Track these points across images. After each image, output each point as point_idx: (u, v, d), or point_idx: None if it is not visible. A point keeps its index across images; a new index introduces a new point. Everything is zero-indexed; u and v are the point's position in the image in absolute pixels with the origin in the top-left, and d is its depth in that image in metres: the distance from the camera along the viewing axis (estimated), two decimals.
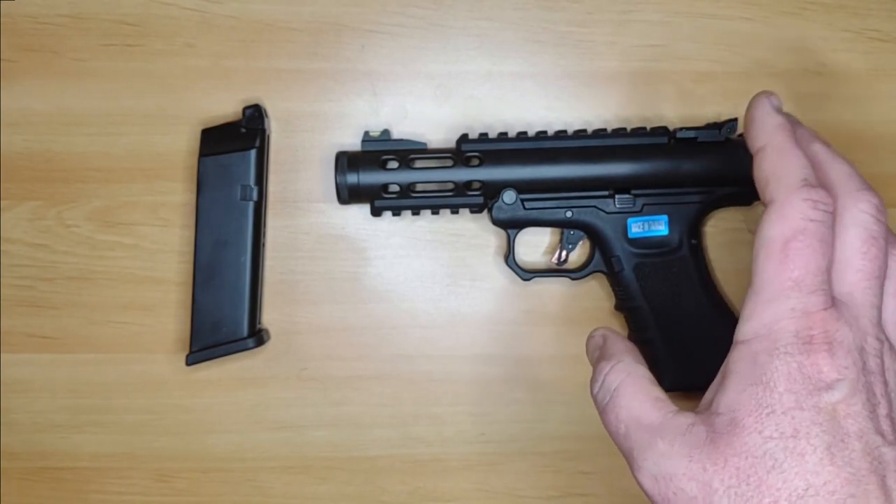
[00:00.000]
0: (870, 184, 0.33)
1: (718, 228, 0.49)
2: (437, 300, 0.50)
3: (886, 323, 0.33)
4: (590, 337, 0.39)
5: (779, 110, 0.34)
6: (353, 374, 0.50)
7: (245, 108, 0.47)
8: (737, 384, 0.31)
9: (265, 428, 0.50)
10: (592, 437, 0.50)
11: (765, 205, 0.32)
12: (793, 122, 0.35)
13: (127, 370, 0.49)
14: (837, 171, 0.33)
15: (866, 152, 0.49)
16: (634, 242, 0.46)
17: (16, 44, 0.48)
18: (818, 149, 0.34)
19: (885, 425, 0.29)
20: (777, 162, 0.32)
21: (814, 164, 0.33)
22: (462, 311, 0.50)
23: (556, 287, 0.49)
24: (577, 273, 0.48)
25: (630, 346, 0.36)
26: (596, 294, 0.50)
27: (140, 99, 0.48)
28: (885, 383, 0.30)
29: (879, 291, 0.32)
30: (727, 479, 0.29)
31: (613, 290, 0.48)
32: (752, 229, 0.49)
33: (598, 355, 0.36)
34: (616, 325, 0.49)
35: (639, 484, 0.32)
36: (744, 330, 0.32)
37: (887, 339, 0.32)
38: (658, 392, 0.33)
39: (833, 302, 0.31)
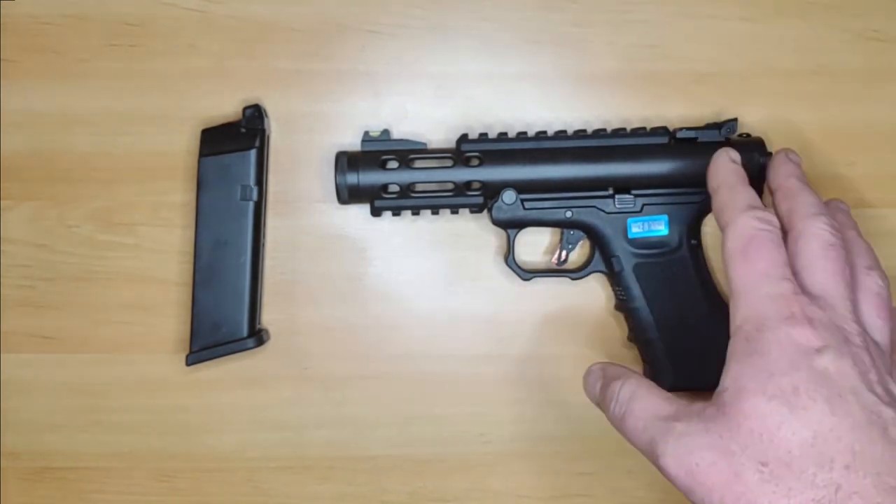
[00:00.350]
0: (868, 192, 0.39)
1: (718, 228, 0.49)
2: (437, 300, 0.50)
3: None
4: (586, 374, 0.41)
5: (734, 160, 0.42)
6: (354, 373, 0.50)
7: (245, 108, 0.47)
8: (736, 361, 0.34)
9: (265, 428, 0.50)
10: (592, 438, 0.50)
11: (722, 230, 0.38)
12: (780, 161, 0.42)
13: (127, 370, 0.49)
14: (803, 201, 0.39)
15: (866, 152, 0.49)
16: (634, 242, 0.46)
17: (16, 44, 0.48)
18: (792, 183, 0.40)
19: (878, 389, 0.32)
20: (727, 195, 0.39)
21: (787, 196, 0.40)
22: (462, 311, 0.50)
23: (556, 287, 0.49)
24: (577, 273, 0.48)
25: (628, 367, 0.40)
26: (596, 294, 0.50)
27: (141, 99, 0.48)
28: (872, 357, 0.34)
29: (848, 287, 0.36)
30: (743, 441, 0.32)
31: (613, 290, 0.48)
32: None
33: (601, 384, 0.39)
34: (615, 325, 0.49)
35: (662, 470, 0.34)
36: (733, 323, 0.36)
37: (866, 331, 0.35)
38: (667, 394, 0.36)
39: (804, 292, 0.35)
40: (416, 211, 0.47)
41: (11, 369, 0.49)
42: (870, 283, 0.37)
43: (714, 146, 0.45)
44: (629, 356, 0.49)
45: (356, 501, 0.50)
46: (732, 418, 0.32)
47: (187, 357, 0.47)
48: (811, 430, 0.31)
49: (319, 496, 0.50)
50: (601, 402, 0.39)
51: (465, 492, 0.50)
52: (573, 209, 0.47)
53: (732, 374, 0.34)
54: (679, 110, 0.49)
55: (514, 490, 0.50)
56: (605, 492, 0.50)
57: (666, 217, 0.46)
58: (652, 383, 0.37)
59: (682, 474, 0.33)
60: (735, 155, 0.42)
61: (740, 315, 0.35)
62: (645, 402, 0.36)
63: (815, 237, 0.37)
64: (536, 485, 0.50)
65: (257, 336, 0.47)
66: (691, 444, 0.33)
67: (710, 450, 0.32)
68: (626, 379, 0.38)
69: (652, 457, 0.34)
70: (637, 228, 0.46)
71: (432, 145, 0.48)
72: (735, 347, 0.35)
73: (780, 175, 0.41)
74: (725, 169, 0.41)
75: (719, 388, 0.34)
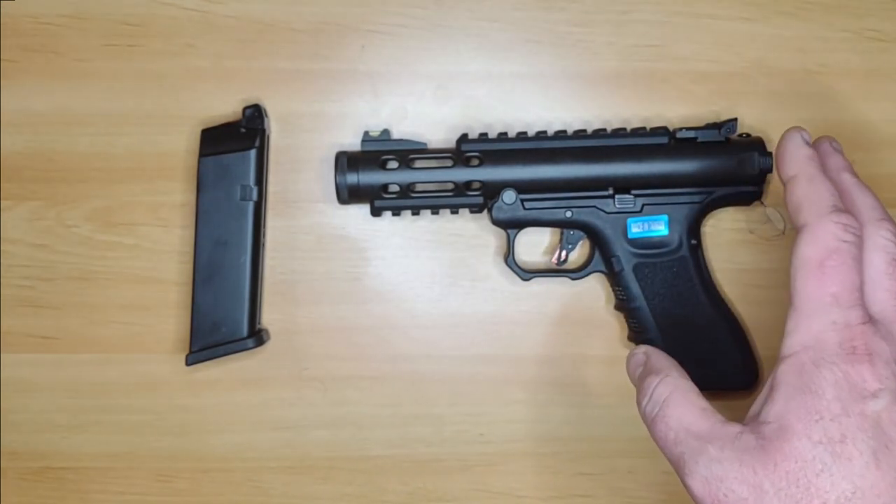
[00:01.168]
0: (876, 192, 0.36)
1: (718, 228, 0.49)
2: (437, 300, 0.50)
3: None
4: (631, 355, 0.40)
5: (808, 143, 0.37)
6: (354, 374, 0.50)
7: (245, 108, 0.47)
8: (785, 394, 0.32)
9: (265, 428, 0.50)
10: (592, 439, 0.50)
11: (797, 228, 0.35)
12: (827, 152, 0.38)
13: (127, 370, 0.49)
14: (862, 202, 0.36)
15: (866, 152, 0.49)
16: (634, 242, 0.46)
17: (16, 44, 0.48)
18: (846, 178, 0.37)
19: None
20: (808, 189, 0.35)
21: (840, 193, 0.35)
22: (462, 311, 0.50)
23: (555, 287, 0.49)
24: (576, 273, 0.48)
25: (674, 361, 0.38)
26: (596, 294, 0.50)
27: (140, 99, 0.48)
28: None
29: None
30: (777, 482, 0.30)
31: (613, 290, 0.48)
32: (753, 229, 0.49)
33: (642, 372, 0.38)
34: (616, 325, 0.49)
35: (687, 488, 0.33)
36: (789, 344, 0.33)
37: None
38: (704, 403, 0.35)
39: (869, 317, 0.33)
40: (416, 211, 0.47)
41: (11, 369, 0.49)
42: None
43: (714, 146, 0.46)
44: None
45: (356, 501, 0.50)
46: (771, 456, 0.31)
47: (187, 357, 0.47)
48: (851, 483, 0.30)
49: (319, 496, 0.50)
50: (637, 390, 0.38)
51: (464, 492, 0.50)
52: (573, 209, 0.47)
53: (778, 409, 0.32)
54: (679, 110, 0.49)
55: (513, 490, 0.50)
56: (606, 492, 0.50)
57: (666, 217, 0.46)
58: (690, 386, 0.36)
59: (708, 500, 0.32)
60: (808, 135, 0.38)
61: (798, 339, 0.33)
62: (680, 409, 0.34)
63: (881, 249, 0.34)
64: (536, 485, 0.50)
65: (257, 336, 0.47)
66: (722, 474, 0.31)
67: (742, 484, 0.31)
68: (664, 377, 0.36)
69: (679, 472, 0.34)
70: (637, 228, 0.46)
71: (432, 145, 0.48)
72: (785, 378, 0.32)
73: (831, 168, 0.37)
74: (801, 155, 0.37)
75: (762, 418, 0.32)
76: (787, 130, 0.38)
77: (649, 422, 0.36)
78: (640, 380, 0.37)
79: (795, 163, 0.36)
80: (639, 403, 0.37)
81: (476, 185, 0.46)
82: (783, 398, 0.32)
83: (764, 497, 0.30)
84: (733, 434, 0.32)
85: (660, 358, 0.38)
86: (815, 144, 0.38)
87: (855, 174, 0.38)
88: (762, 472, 0.31)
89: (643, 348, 0.39)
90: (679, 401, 0.35)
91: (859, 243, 0.33)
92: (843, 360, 0.31)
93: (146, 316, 0.49)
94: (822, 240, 0.33)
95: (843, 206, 0.34)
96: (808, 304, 0.33)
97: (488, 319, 0.50)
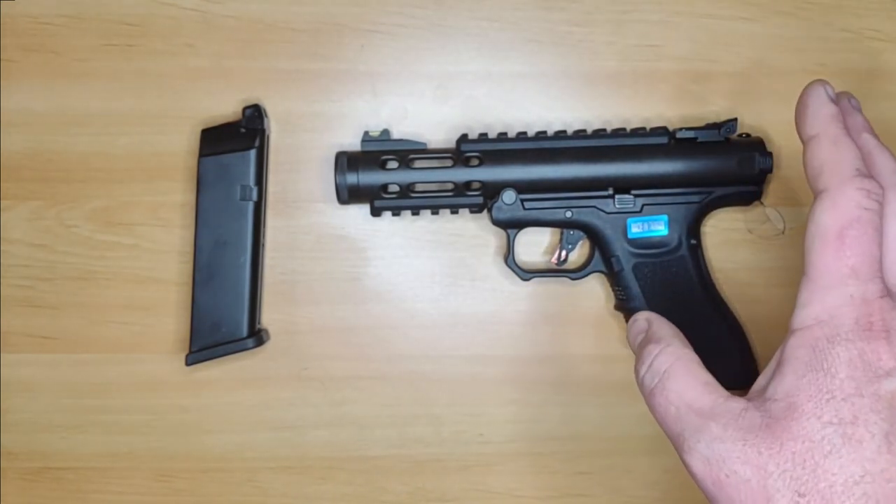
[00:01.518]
0: None
1: (718, 228, 0.49)
2: (437, 300, 0.50)
3: None
4: (633, 321, 0.38)
5: (833, 100, 0.34)
6: (353, 374, 0.50)
7: (245, 108, 0.47)
8: (795, 370, 0.30)
9: (265, 428, 0.50)
10: (591, 438, 0.50)
11: (816, 193, 0.32)
12: (847, 110, 0.35)
13: (127, 370, 0.49)
14: (882, 164, 0.33)
15: None
16: (634, 242, 0.46)
17: (16, 44, 0.48)
18: (867, 139, 0.34)
19: None
20: (830, 151, 0.32)
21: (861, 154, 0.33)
22: (462, 311, 0.50)
23: (555, 287, 0.49)
24: (576, 273, 0.48)
25: (677, 330, 0.36)
26: (596, 294, 0.50)
27: (140, 99, 0.48)
28: None
29: None
30: (782, 463, 0.29)
31: (613, 290, 0.48)
32: (752, 229, 0.49)
33: (643, 339, 0.36)
34: (615, 325, 0.49)
35: (687, 466, 0.31)
36: (801, 317, 0.31)
37: None
38: (707, 376, 0.33)
39: (887, 290, 0.31)
40: (415, 211, 0.47)
41: (11, 369, 0.49)
42: None
43: (714, 146, 0.46)
44: (629, 355, 0.49)
45: (355, 501, 0.50)
46: (777, 435, 0.29)
47: (187, 357, 0.47)
48: (861, 466, 0.28)
49: (319, 496, 0.50)
50: (636, 358, 0.36)
51: (463, 492, 0.50)
52: (573, 209, 0.47)
53: (787, 386, 0.30)
54: (679, 110, 0.49)
55: (512, 490, 0.50)
56: (604, 491, 0.50)
57: (666, 217, 0.46)
58: (692, 357, 0.34)
59: (708, 480, 0.30)
60: (832, 91, 0.34)
61: (812, 312, 0.31)
62: (681, 382, 0.33)
63: None
64: (535, 484, 0.50)
65: (257, 336, 0.47)
66: (725, 454, 0.30)
67: (746, 465, 0.29)
68: (665, 346, 0.34)
69: (678, 448, 0.32)
70: (637, 228, 0.46)
71: (432, 145, 0.48)
72: (796, 353, 0.31)
73: (850, 128, 0.34)
74: (825, 112, 0.33)
75: (768, 394, 0.31)
76: (810, 84, 0.34)
77: (647, 393, 0.34)
78: (639, 348, 0.36)
79: (818, 121, 0.33)
80: (636, 372, 0.35)
81: (476, 185, 0.46)
82: (793, 375, 0.30)
83: (768, 479, 0.29)
84: (737, 411, 0.31)
85: (662, 325, 0.36)
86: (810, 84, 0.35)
87: (875, 135, 0.35)
88: (767, 452, 0.29)
89: (645, 314, 0.38)
90: (681, 373, 0.33)
91: (881, 211, 0.31)
92: (860, 336, 0.30)
93: (146, 316, 0.49)
94: (843, 207, 0.31)
95: (867, 171, 0.32)
96: (824, 276, 0.31)
97: (488, 319, 0.50)
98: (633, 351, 0.37)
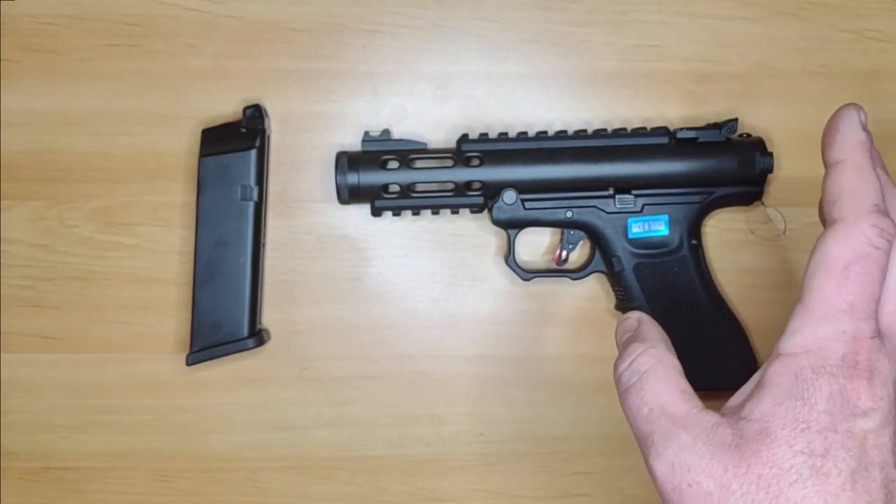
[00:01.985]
0: None
1: (718, 228, 0.49)
2: (437, 300, 0.50)
3: None
4: (624, 318, 0.38)
5: (864, 127, 0.33)
6: (354, 374, 0.50)
7: (245, 108, 0.47)
8: (775, 395, 0.30)
9: (265, 428, 0.50)
10: (591, 438, 0.50)
11: (829, 220, 0.32)
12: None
13: (127, 370, 0.49)
14: (892, 202, 0.33)
15: None
16: (634, 242, 0.46)
17: (16, 44, 0.48)
18: (879, 175, 0.33)
19: None
20: (852, 181, 0.32)
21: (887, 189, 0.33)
22: (462, 311, 0.50)
23: (556, 287, 0.49)
24: (577, 273, 0.48)
25: (664, 334, 0.36)
26: (596, 294, 0.50)
27: (140, 99, 0.48)
28: None
29: None
30: (747, 485, 0.29)
31: (613, 290, 0.48)
32: (753, 229, 0.49)
33: (629, 337, 0.36)
34: (615, 325, 0.49)
35: (650, 469, 0.32)
36: (790, 343, 0.31)
37: None
38: (685, 385, 0.33)
39: (878, 331, 0.31)
40: (416, 211, 0.47)
41: (11, 369, 0.49)
42: None
43: (715, 146, 0.46)
44: None
45: (356, 501, 0.50)
46: (745, 457, 0.29)
47: (187, 357, 0.47)
48: (823, 500, 0.28)
49: (319, 496, 0.50)
50: (619, 354, 0.35)
51: (463, 491, 0.50)
52: (573, 209, 0.47)
53: (764, 410, 0.30)
54: (679, 110, 0.49)
55: (512, 490, 0.50)
56: (604, 491, 0.50)
57: (666, 217, 0.46)
58: (674, 363, 0.34)
59: (669, 486, 0.31)
60: (865, 116, 0.33)
61: (801, 340, 0.31)
62: (658, 386, 0.33)
63: None
64: (535, 484, 0.50)
65: (257, 336, 0.47)
66: (691, 463, 0.30)
67: (710, 478, 0.30)
68: (648, 347, 0.34)
69: (644, 450, 0.32)
70: (637, 228, 0.46)
71: (432, 145, 0.48)
72: (777, 379, 0.31)
73: (851, 143, 0.33)
74: (854, 139, 0.32)
75: (744, 414, 0.31)
76: (844, 107, 0.34)
77: (622, 390, 0.34)
78: (624, 345, 0.35)
79: (846, 147, 0.32)
80: (616, 367, 0.35)
81: (476, 185, 0.46)
82: (771, 399, 0.30)
83: (730, 497, 0.29)
84: (710, 424, 0.31)
85: (651, 327, 0.36)
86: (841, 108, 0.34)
87: (887, 171, 0.34)
88: (733, 470, 0.29)
89: (636, 314, 0.37)
90: (660, 376, 0.33)
91: (889, 251, 0.31)
92: (844, 373, 0.30)
93: (146, 316, 0.49)
94: (854, 241, 0.30)
95: (884, 209, 0.31)
96: (821, 307, 0.31)
97: (488, 319, 0.50)
98: (618, 347, 0.37)
